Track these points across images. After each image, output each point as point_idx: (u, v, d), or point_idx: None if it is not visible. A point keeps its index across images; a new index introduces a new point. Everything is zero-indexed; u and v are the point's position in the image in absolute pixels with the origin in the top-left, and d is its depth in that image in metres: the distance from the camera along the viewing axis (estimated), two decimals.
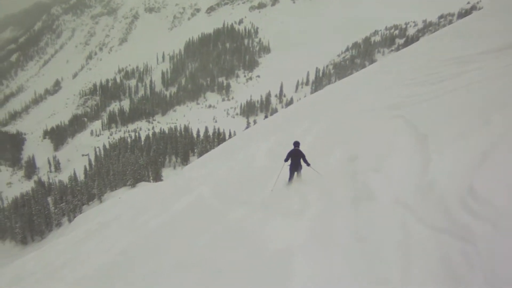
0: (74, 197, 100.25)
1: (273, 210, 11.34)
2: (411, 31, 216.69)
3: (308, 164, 12.46)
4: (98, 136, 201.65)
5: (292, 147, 12.97)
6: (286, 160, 12.86)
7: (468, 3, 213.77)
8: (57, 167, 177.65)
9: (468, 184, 7.32)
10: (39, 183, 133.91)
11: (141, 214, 18.85)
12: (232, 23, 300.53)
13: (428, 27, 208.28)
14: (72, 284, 13.17)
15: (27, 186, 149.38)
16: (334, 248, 8.04)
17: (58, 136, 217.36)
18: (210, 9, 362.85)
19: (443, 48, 28.70)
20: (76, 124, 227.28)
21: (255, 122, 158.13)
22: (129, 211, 23.93)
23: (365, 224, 8.39)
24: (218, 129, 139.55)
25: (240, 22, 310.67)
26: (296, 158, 12.58)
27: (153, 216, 16.64)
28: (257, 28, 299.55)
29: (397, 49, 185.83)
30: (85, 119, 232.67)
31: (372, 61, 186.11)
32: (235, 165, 21.21)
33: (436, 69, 20.79)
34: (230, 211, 12.71)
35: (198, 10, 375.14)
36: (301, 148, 13.15)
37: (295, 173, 12.88)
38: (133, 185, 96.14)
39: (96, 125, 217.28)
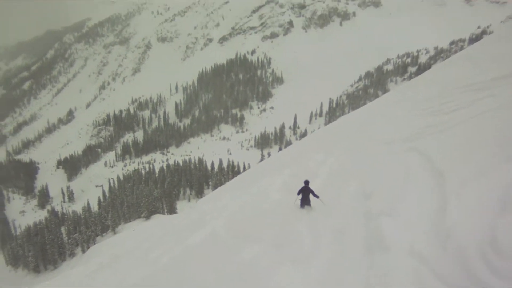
0: (88, 228, 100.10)
1: (285, 252, 11.02)
2: (423, 59, 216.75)
3: (317, 197, 14.18)
4: (112, 167, 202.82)
5: (302, 184, 14.94)
6: (298, 194, 14.78)
7: (479, 27, 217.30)
8: (71, 197, 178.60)
9: (489, 234, 6.77)
10: (53, 212, 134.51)
11: (154, 248, 18.43)
12: (245, 53, 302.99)
13: (439, 54, 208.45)
14: None
15: (40, 215, 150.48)
16: None
17: (71, 166, 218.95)
18: (223, 39, 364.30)
19: (455, 75, 28.65)
20: (90, 154, 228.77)
21: (269, 154, 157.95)
22: (143, 244, 23.34)
23: (378, 280, 7.80)
24: (233, 161, 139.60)
25: (253, 52, 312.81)
26: (305, 193, 14.40)
27: (166, 250, 16.20)
28: (270, 58, 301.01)
29: (410, 77, 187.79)
30: (99, 150, 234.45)
31: (385, 90, 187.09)
32: (249, 199, 20.13)
33: (450, 97, 20.84)
34: (242, 248, 12.26)
35: (210, 40, 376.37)
36: (316, 182, 16.56)
37: (305, 205, 14.60)
38: (147, 217, 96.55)
39: (110, 156, 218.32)
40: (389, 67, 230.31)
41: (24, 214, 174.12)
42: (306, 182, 14.55)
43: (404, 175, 11.96)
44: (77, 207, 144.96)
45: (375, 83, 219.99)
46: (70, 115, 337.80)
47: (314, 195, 14.19)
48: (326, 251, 10.17)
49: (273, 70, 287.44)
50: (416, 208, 9.55)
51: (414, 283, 6.96)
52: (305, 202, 14.49)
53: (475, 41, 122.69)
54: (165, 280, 12.63)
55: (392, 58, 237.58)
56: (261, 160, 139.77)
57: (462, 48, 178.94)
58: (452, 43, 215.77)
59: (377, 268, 8.15)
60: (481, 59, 28.58)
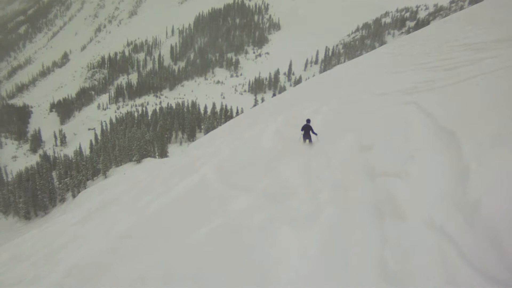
0: (79, 172, 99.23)
1: (279, 210, 9.47)
2: (422, 15, 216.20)
3: (315, 134, 15.85)
4: (105, 110, 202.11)
5: (298, 127, 16.29)
6: (301, 130, 16.15)
7: None
8: (63, 141, 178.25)
9: None
10: (45, 157, 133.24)
11: (142, 195, 17.79)
12: None
13: (439, 11, 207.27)
14: (68, 270, 12.30)
15: (33, 160, 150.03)
16: None
17: (65, 109, 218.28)
18: None
19: (455, 34, 27.76)
20: (83, 97, 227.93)
21: (263, 99, 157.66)
22: (131, 190, 22.68)
23: (395, 259, 5.85)
24: (226, 105, 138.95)
25: None
26: (307, 130, 15.91)
27: (154, 197, 15.67)
28: (268, 4, 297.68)
29: (408, 31, 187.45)
30: (93, 93, 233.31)
31: (382, 42, 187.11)
32: (241, 144, 20.02)
33: (449, 54, 20.20)
34: (232, 199, 11.43)
35: None
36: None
37: (307, 140, 16.08)
38: (138, 160, 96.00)
39: (103, 98, 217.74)
40: (387, 20, 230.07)
41: (16, 159, 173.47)
42: (308, 121, 16.16)
43: (406, 130, 10.90)
44: (69, 151, 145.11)
45: (373, 34, 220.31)
46: (65, 58, 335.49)
47: (313, 132, 15.87)
48: (328, 213, 8.59)
49: (270, 16, 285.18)
50: (428, 171, 7.88)
51: (438, 264, 5.40)
52: (306, 137, 16.07)
53: (475, 2, 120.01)
54: (151, 231, 12.31)
55: (391, 11, 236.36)
56: (255, 105, 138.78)
57: (462, 7, 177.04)
58: (452, 1, 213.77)
59: (393, 242, 6.35)
60: (481, 21, 28.39)
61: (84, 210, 27.56)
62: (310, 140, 16.04)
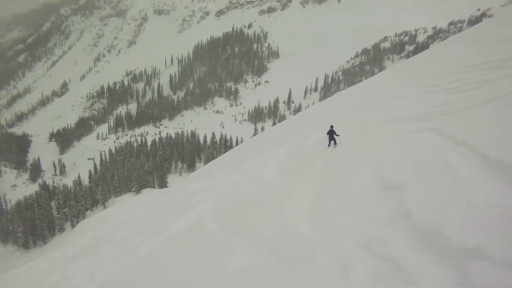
0: (78, 202, 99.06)
1: (285, 265, 7.92)
2: (421, 38, 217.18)
3: (338, 136, 17.30)
4: (104, 140, 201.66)
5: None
6: (327, 134, 17.49)
7: (478, 10, 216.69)
8: (62, 170, 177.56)
9: None
10: (44, 186, 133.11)
11: (135, 233, 17.68)
12: (241, 27, 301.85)
13: (438, 34, 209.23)
14: None
15: (32, 189, 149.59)
16: None
17: (64, 139, 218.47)
18: (220, 13, 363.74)
19: (457, 55, 26.95)
20: (83, 127, 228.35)
21: (262, 128, 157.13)
22: (125, 226, 22.89)
23: None
24: (225, 135, 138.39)
25: (250, 26, 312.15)
26: (331, 134, 17.31)
27: (147, 237, 15.46)
28: (266, 32, 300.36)
29: (407, 56, 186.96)
30: (92, 122, 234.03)
31: (382, 68, 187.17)
32: (241, 179, 19.02)
33: (457, 76, 18.81)
34: (232, 250, 9.92)
35: (207, 13, 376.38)
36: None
37: (332, 142, 17.59)
38: (137, 191, 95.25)
39: (103, 128, 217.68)
40: (386, 44, 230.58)
41: (15, 188, 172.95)
42: (331, 126, 17.64)
43: (440, 164, 8.51)
44: (69, 180, 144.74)
45: (372, 60, 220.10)
46: (64, 87, 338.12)
47: (337, 135, 17.38)
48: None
49: (269, 44, 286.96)
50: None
51: None
52: (331, 140, 17.52)
53: (475, 23, 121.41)
54: (138, 279, 11.78)
55: (390, 36, 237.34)
56: (254, 134, 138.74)
57: (461, 29, 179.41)
58: (451, 23, 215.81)
59: None
60: (483, 41, 27.46)
61: (77, 246, 27.80)
62: (336, 142, 17.42)
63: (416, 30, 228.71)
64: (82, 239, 32.54)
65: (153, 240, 14.30)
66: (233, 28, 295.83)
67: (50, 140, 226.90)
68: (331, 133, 17.37)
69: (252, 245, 9.73)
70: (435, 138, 10.48)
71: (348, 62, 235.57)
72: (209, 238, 11.82)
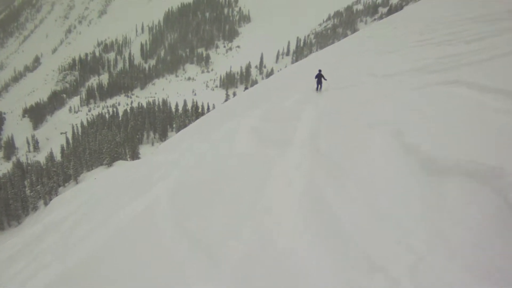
0: (50, 179, 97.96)
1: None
2: (394, 0, 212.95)
3: (325, 79, 18.56)
4: (77, 113, 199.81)
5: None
6: (315, 78, 18.77)
7: None
8: (36, 146, 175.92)
9: None
10: (18, 164, 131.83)
11: (81, 224, 15.25)
12: None
13: None
14: None
15: (7, 167, 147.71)
16: None
17: (37, 114, 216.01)
18: None
19: (444, 12, 25.57)
20: (55, 101, 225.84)
21: (234, 94, 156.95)
22: (75, 213, 19.56)
23: None
24: (196, 102, 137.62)
25: None
26: (319, 78, 18.51)
27: (92, 230, 12.49)
28: None
29: (380, 18, 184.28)
30: (64, 96, 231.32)
31: (355, 30, 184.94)
32: (209, 149, 15.94)
33: (455, 28, 17.71)
34: (187, 274, 6.54)
35: None
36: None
37: (319, 85, 18.60)
38: (109, 164, 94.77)
39: (75, 101, 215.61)
40: (359, 7, 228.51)
41: None
42: (319, 70, 18.82)
43: (477, 122, 6.90)
44: (42, 156, 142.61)
45: (344, 22, 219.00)
46: (37, 61, 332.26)
47: (325, 79, 18.58)
48: None
49: (240, 9, 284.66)
50: None
51: None
52: (318, 83, 18.55)
53: None
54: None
55: None
56: (226, 100, 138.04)
57: None
58: None
59: None
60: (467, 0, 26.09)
61: (28, 234, 24.39)
62: (321, 87, 18.50)
63: None
64: (36, 226, 30.20)
65: (95, 236, 11.53)
66: None
67: (24, 116, 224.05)
68: (319, 77, 18.61)
69: (216, 271, 6.31)
70: (466, 91, 8.77)
71: (320, 25, 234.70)
72: (160, 243, 8.48)
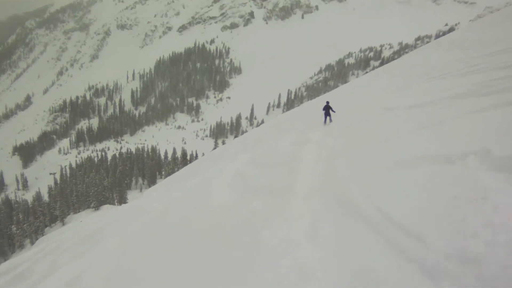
0: (36, 218, 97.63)
1: None
2: (386, 53, 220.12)
3: (334, 111, 18.18)
4: (66, 154, 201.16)
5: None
6: (323, 110, 18.32)
7: (446, 25, 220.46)
8: (25, 185, 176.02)
9: None
10: (6, 201, 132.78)
11: (29, 275, 12.96)
12: (203, 43, 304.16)
13: (404, 49, 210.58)
14: None
15: None
16: None
17: (27, 152, 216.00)
18: (182, 28, 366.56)
19: (447, 55, 23.84)
20: (45, 141, 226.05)
21: (223, 143, 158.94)
22: (47, 258, 14.87)
23: None
24: (186, 150, 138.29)
25: (212, 42, 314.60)
26: (327, 109, 17.97)
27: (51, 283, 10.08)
28: (229, 48, 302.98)
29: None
30: (54, 137, 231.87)
31: (346, 83, 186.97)
32: (180, 197, 13.67)
33: (476, 60, 15.61)
34: None
35: (170, 29, 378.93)
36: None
37: (327, 117, 18.15)
38: (96, 207, 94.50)
39: (65, 143, 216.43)
40: (351, 60, 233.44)
41: None
42: (327, 102, 18.29)
43: None
44: (31, 195, 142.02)
45: (336, 75, 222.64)
46: (28, 100, 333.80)
47: (333, 110, 18.21)
48: None
49: (231, 60, 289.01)
50: None
51: None
52: (326, 115, 18.12)
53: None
54: None
55: (355, 52, 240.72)
56: (214, 148, 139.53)
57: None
58: (418, 39, 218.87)
59: None
60: (466, 44, 24.26)
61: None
62: (331, 120, 17.98)
63: (381, 46, 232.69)
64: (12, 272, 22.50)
65: None
66: (195, 44, 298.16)
67: (14, 154, 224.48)
68: (327, 109, 18.01)
69: None
70: None
71: (311, 78, 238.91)
72: None
